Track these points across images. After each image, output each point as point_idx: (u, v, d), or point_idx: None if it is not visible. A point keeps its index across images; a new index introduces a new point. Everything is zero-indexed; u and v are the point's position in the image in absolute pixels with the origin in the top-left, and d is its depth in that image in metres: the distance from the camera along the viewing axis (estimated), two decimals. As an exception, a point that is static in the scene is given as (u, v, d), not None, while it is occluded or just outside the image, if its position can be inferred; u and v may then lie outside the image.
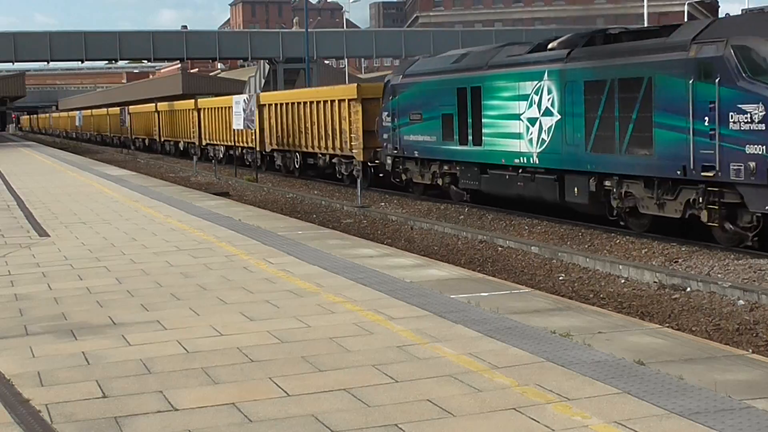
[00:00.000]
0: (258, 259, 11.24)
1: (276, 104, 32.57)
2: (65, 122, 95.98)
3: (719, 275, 11.89)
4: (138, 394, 5.94)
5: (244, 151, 36.55)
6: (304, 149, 30.11)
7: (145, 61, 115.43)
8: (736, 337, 9.05)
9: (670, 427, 5.10)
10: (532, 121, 17.09)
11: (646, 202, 14.69)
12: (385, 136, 23.28)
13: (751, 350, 7.97)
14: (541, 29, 69.79)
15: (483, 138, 18.78)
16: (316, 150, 29.03)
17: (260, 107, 33.65)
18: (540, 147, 16.89)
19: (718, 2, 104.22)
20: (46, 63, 65.42)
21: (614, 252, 14.21)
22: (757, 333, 9.22)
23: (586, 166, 15.72)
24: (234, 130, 34.49)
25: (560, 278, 12.44)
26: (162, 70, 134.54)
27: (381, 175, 24.72)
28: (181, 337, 7.42)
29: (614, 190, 15.32)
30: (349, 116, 26.16)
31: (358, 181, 23.12)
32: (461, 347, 6.86)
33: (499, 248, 15.06)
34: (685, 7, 74.20)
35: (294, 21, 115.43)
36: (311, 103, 29.15)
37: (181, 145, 47.55)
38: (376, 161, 24.68)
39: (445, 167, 20.84)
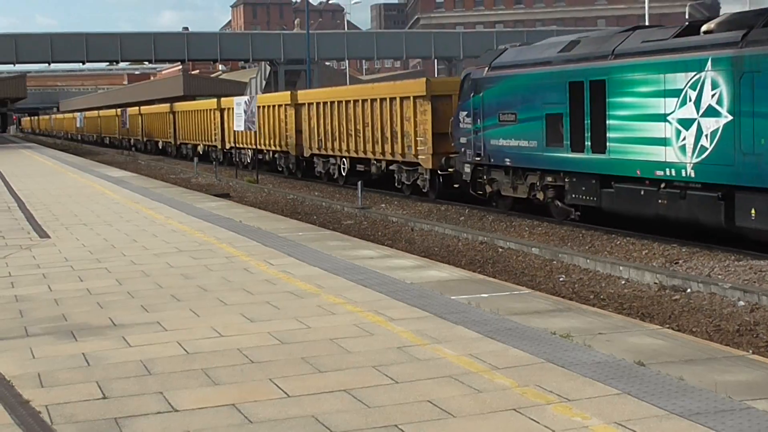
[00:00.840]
0: (258, 260, 11.24)
1: (318, 103, 28.93)
2: (67, 124, 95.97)
3: (720, 276, 11.89)
4: (138, 395, 5.94)
5: (276, 155, 33.46)
6: (353, 154, 26.56)
7: (146, 63, 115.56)
8: (736, 338, 9.05)
9: (670, 427, 5.10)
10: (686, 123, 13.69)
11: None
12: (463, 140, 19.86)
13: (751, 351, 7.96)
14: (542, 30, 69.85)
15: (607, 144, 15.33)
16: (369, 155, 25.46)
17: (297, 107, 30.76)
18: (698, 156, 13.47)
19: (719, 3, 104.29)
20: (47, 65, 65.60)
21: (615, 253, 14.20)
22: (758, 334, 9.22)
23: None
24: (267, 133, 32.42)
25: (561, 279, 12.44)
26: (163, 72, 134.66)
27: (456, 185, 20.88)
28: (182, 338, 7.42)
29: None
30: (415, 116, 22.73)
31: (359, 183, 22.59)
32: (461, 348, 6.87)
33: (500, 249, 15.05)
34: (687, 8, 74.31)
35: (295, 22, 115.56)
36: (364, 101, 25.55)
37: (200, 149, 43.80)
38: (449, 169, 21.07)
39: (548, 178, 17.29)
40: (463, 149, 19.97)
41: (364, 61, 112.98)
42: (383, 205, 22.55)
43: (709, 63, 13.27)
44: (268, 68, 66.67)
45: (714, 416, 5.24)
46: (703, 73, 13.40)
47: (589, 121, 15.80)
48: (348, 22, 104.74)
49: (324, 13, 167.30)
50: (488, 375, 6.18)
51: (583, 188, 16.22)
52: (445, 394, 5.77)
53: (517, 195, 18.54)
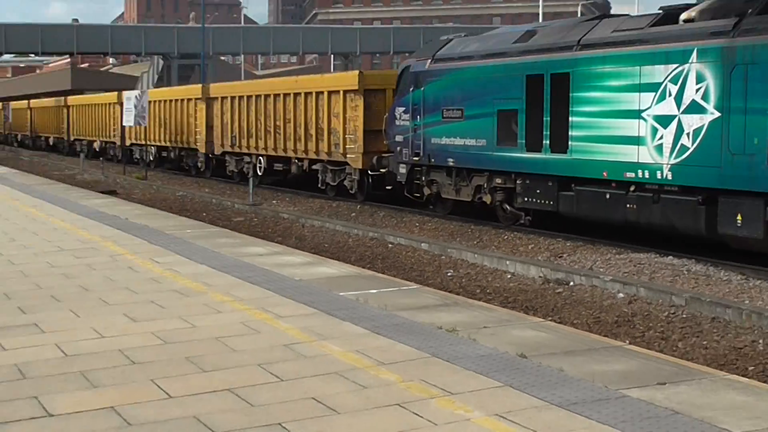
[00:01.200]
0: (144, 258, 10.99)
1: (233, 97, 27.05)
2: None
3: (601, 269, 12.24)
4: (10, 400, 5.71)
5: (183, 153, 31.47)
6: (271, 153, 24.72)
7: (33, 55, 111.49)
8: (614, 329, 9.35)
9: (549, 417, 5.23)
10: (664, 120, 12.57)
11: None
12: (400, 138, 18.38)
13: (628, 341, 8.25)
14: (439, 27, 70.62)
15: (570, 143, 14.13)
16: (290, 154, 23.73)
17: (208, 101, 28.72)
18: (677, 156, 12.36)
19: (609, 3, 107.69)
20: (-77, 55, 62.52)
21: (502, 248, 14.48)
22: (635, 324, 9.55)
23: (766, 185, 11.31)
24: (174, 128, 30.96)
25: (449, 274, 12.60)
26: (50, 65, 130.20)
27: (389, 187, 19.57)
28: (60, 340, 7.18)
29: None
30: (344, 112, 21.12)
31: (250, 180, 22.32)
32: (348, 344, 6.87)
33: (390, 245, 15.14)
34: (579, 7, 76.44)
35: (190, 16, 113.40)
36: (287, 95, 23.86)
37: (96, 146, 41.20)
38: (381, 170, 19.70)
39: (497, 180, 16.00)
40: (399, 148, 18.54)
41: (259, 57, 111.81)
42: (275, 201, 22.37)
43: (695, 54, 12.14)
44: (161, 62, 65.29)
45: (591, 405, 5.40)
46: (686, 66, 12.27)
47: (548, 118, 14.56)
48: (245, 16, 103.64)
49: (220, 7, 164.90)
50: (374, 371, 6.20)
51: (538, 191, 15.01)
52: (330, 391, 5.77)
53: (460, 198, 17.24)
